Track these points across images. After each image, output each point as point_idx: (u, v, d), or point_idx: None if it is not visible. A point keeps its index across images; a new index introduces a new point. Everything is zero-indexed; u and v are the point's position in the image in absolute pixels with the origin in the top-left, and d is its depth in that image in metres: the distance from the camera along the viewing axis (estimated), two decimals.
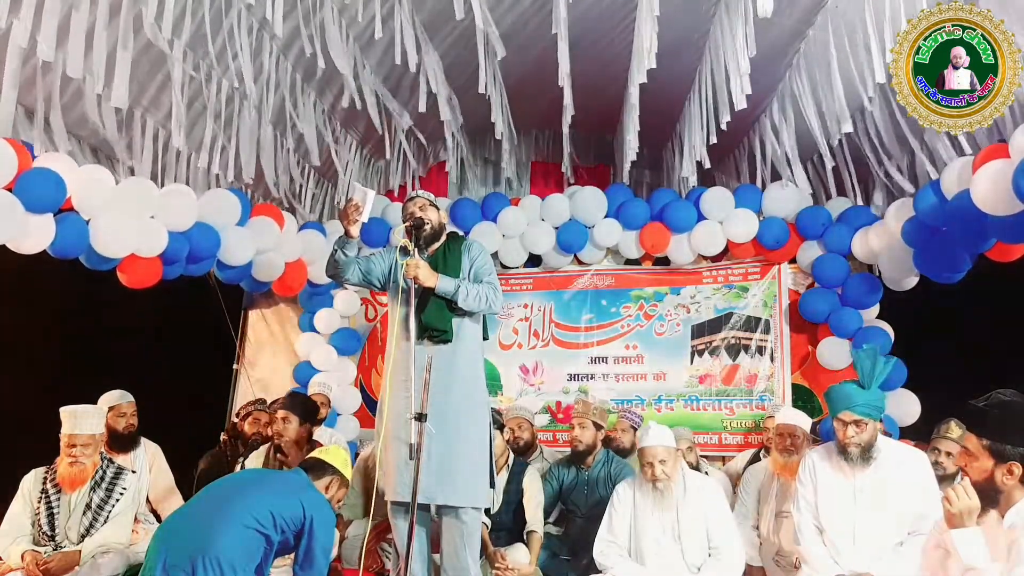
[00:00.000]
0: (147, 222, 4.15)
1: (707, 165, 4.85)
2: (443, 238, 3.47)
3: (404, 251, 3.32)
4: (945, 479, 3.69)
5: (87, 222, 3.89)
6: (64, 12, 3.23)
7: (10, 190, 3.44)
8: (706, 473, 4.30)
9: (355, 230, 3.26)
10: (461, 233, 3.64)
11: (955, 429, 3.91)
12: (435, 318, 3.26)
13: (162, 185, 4.38)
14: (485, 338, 3.52)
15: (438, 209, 3.48)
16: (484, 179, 6.48)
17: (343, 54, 4.03)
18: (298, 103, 4.63)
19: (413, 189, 6.04)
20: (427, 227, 3.35)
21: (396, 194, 6.15)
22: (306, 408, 4.15)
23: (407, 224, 3.36)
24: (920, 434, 4.44)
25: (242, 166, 4.51)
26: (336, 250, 3.34)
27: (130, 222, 4.03)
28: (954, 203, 3.81)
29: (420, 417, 2.98)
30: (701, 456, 4.81)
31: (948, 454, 3.84)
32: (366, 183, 6.08)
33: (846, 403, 3.18)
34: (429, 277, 3.21)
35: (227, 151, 4.47)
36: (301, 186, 5.59)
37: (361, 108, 4.51)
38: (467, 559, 3.23)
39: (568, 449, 4.72)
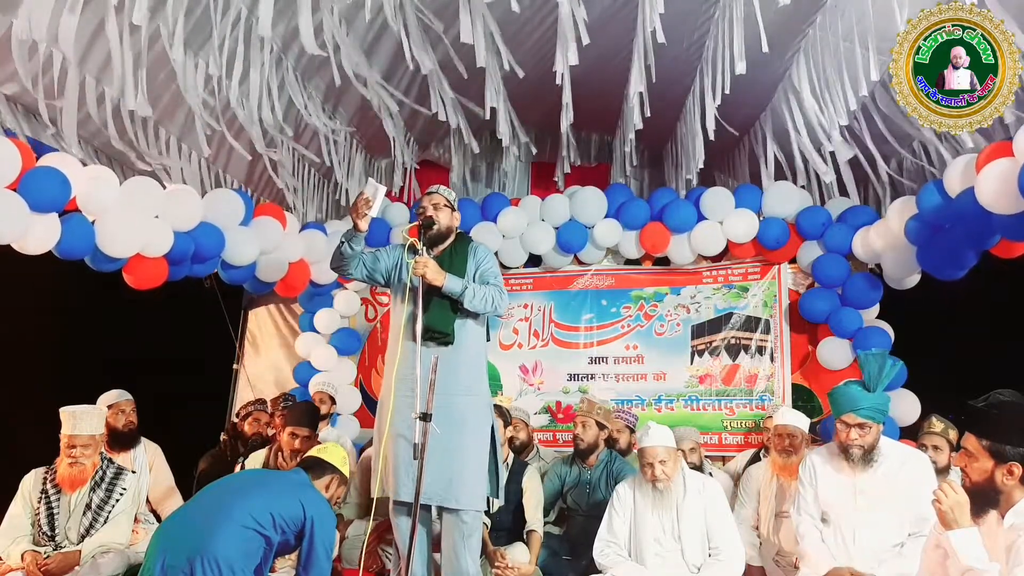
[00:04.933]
0: (152, 222, 4.14)
1: (700, 165, 4.84)
2: (450, 239, 3.47)
3: (412, 249, 3.33)
4: (939, 473, 3.70)
5: (92, 222, 3.88)
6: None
7: (14, 189, 3.43)
8: (710, 474, 4.30)
9: (364, 224, 3.25)
10: (469, 235, 3.63)
11: (937, 424, 3.99)
12: (437, 320, 3.25)
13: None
14: (488, 339, 3.51)
15: (452, 211, 3.47)
16: (484, 179, 6.48)
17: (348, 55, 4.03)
18: (300, 102, 4.63)
19: (412, 189, 6.07)
20: (434, 228, 3.35)
21: (397, 194, 6.14)
22: (313, 417, 4.16)
23: (417, 222, 3.36)
24: (920, 434, 4.45)
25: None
26: (343, 243, 3.33)
27: (135, 222, 4.03)
28: (958, 201, 3.81)
29: (425, 417, 2.98)
30: (704, 456, 4.80)
31: (936, 448, 3.88)
32: (367, 183, 6.08)
33: (851, 405, 3.16)
34: (437, 276, 3.20)
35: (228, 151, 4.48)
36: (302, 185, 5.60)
37: (364, 107, 4.51)
38: (466, 560, 3.23)
39: (566, 449, 4.71)
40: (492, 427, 3.40)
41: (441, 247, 3.42)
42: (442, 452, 3.14)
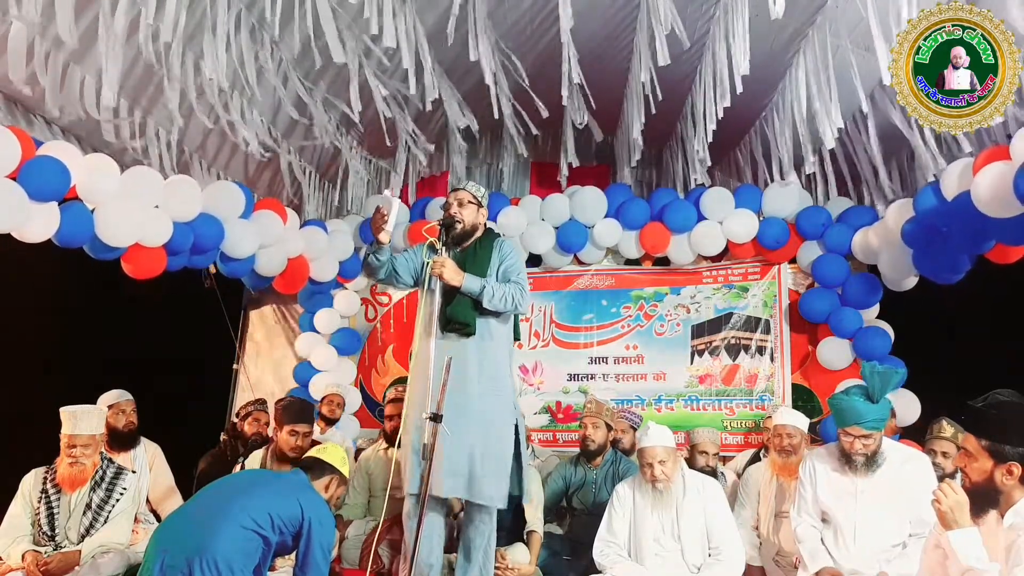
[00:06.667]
0: (152, 211, 4.14)
1: (708, 163, 4.84)
2: (476, 235, 3.46)
3: (432, 248, 3.34)
4: (944, 479, 3.69)
5: (92, 211, 3.88)
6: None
7: (14, 179, 3.43)
8: (722, 475, 4.31)
9: (384, 237, 3.28)
10: (497, 230, 3.63)
11: (947, 428, 3.93)
12: (459, 311, 3.27)
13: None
14: (516, 338, 3.51)
15: (479, 207, 3.47)
16: (484, 179, 6.47)
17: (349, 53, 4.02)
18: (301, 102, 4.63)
19: (412, 188, 6.05)
20: (457, 227, 3.35)
21: (397, 194, 6.14)
22: (310, 414, 4.14)
23: (439, 220, 3.38)
24: (920, 434, 4.44)
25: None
26: (368, 255, 3.36)
27: (135, 211, 4.02)
28: (954, 204, 3.81)
29: (435, 417, 2.99)
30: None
31: (944, 454, 3.85)
32: (367, 184, 6.10)
33: (856, 419, 3.13)
34: (455, 276, 3.22)
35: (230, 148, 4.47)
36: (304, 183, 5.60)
37: (364, 108, 4.50)
38: (479, 554, 3.26)
39: (566, 449, 4.70)
40: (516, 426, 3.39)
41: (466, 243, 3.44)
42: (460, 447, 3.15)
